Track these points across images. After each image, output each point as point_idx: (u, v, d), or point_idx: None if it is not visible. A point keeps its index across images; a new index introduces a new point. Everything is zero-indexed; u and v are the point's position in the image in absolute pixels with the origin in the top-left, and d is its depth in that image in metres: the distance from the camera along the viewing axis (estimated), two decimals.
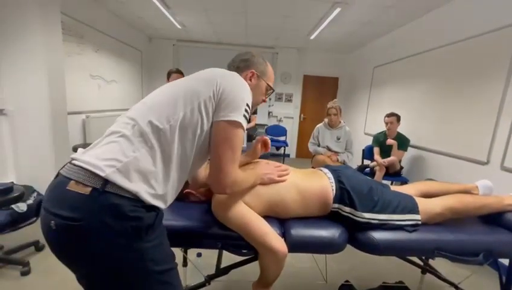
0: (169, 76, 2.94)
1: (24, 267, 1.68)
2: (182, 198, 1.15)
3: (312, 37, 4.38)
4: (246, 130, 3.36)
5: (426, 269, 1.47)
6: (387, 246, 1.05)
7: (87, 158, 0.67)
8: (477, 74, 2.37)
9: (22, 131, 2.46)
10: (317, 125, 3.18)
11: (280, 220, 1.11)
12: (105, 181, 0.64)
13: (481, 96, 2.32)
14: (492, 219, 1.23)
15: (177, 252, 0.84)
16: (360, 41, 4.60)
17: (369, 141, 3.43)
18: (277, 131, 5.56)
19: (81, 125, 3.34)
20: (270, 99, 5.73)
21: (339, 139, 3.05)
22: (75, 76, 3.13)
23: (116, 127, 0.75)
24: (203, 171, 1.12)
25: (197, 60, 5.42)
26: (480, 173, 2.26)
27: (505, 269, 1.24)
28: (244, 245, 1.00)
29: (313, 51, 5.53)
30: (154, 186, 0.71)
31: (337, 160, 2.96)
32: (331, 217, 1.14)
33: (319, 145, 3.12)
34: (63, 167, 0.71)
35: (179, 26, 4.29)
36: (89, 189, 0.63)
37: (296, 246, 1.03)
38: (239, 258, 1.10)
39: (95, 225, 0.62)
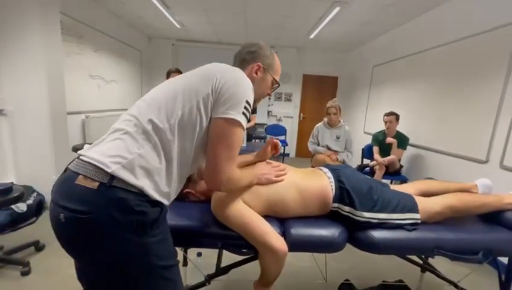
0: (168, 76, 2.94)
1: (24, 267, 1.68)
2: (181, 198, 1.16)
3: (311, 37, 4.38)
4: (246, 129, 3.34)
5: (426, 267, 1.48)
6: (386, 245, 1.05)
7: (93, 154, 0.69)
8: (476, 73, 2.38)
9: (22, 131, 2.46)
10: (317, 125, 3.18)
11: (280, 219, 1.11)
12: (112, 176, 0.66)
13: (480, 94, 2.33)
14: (492, 217, 1.23)
15: (178, 251, 0.84)
16: (359, 40, 4.60)
17: (368, 140, 3.43)
18: (276, 130, 5.56)
19: (80, 126, 3.34)
20: (269, 98, 5.74)
21: (338, 138, 3.05)
22: (74, 76, 3.13)
23: (119, 124, 0.76)
24: None
25: (197, 59, 5.39)
26: (479, 171, 2.26)
27: (504, 267, 1.25)
28: (244, 245, 1.00)
29: (313, 50, 5.53)
30: (158, 182, 0.73)
31: (337, 159, 2.96)
32: (330, 217, 1.14)
33: (318, 145, 3.12)
34: (71, 162, 0.73)
35: (178, 26, 4.29)
36: (97, 183, 0.65)
37: (296, 245, 1.03)
38: (239, 258, 1.10)
39: (102, 218, 0.64)
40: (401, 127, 3.11)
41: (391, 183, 3.02)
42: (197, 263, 1.35)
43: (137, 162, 0.69)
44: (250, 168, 1.08)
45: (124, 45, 4.33)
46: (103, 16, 3.69)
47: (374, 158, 3.12)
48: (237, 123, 0.78)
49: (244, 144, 2.93)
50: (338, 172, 1.18)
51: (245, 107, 0.79)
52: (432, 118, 2.93)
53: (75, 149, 2.70)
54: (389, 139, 2.99)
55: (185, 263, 1.52)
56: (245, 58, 0.96)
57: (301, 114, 5.92)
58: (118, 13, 3.88)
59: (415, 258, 1.49)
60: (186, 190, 1.16)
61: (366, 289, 1.58)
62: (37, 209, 2.39)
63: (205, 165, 0.82)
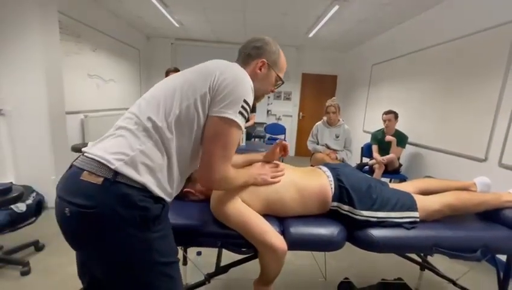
0: (167, 75, 2.95)
1: (24, 267, 1.68)
2: (181, 197, 1.16)
3: (310, 35, 4.37)
4: (245, 128, 3.31)
5: (425, 265, 1.48)
6: (385, 243, 1.05)
7: (97, 151, 0.71)
8: (475, 72, 2.38)
9: (20, 131, 2.45)
10: (316, 124, 3.18)
11: (279, 218, 1.11)
12: (116, 172, 0.67)
13: (479, 93, 2.33)
14: (490, 215, 1.24)
15: (178, 250, 0.85)
16: (358, 39, 4.60)
17: (368, 138, 3.44)
18: (276, 129, 5.56)
19: (79, 125, 3.33)
20: (269, 97, 5.73)
21: (337, 137, 3.05)
22: (73, 75, 3.12)
23: (121, 122, 0.78)
24: None
25: (195, 58, 5.34)
26: (478, 170, 2.27)
27: (502, 265, 1.25)
28: (243, 243, 1.00)
29: (312, 49, 5.52)
30: (161, 179, 0.74)
31: (336, 158, 2.97)
32: (330, 216, 1.14)
33: (318, 144, 3.13)
34: (76, 159, 0.75)
35: (177, 25, 4.28)
36: (101, 179, 0.67)
37: (296, 244, 1.03)
38: (238, 257, 1.10)
39: (106, 212, 0.66)
40: (400, 126, 3.11)
41: (390, 181, 3.03)
42: (196, 262, 1.35)
43: (139, 159, 0.70)
44: (246, 168, 1.08)
45: (123, 44, 4.32)
46: (101, 15, 3.67)
47: (373, 157, 3.12)
48: (233, 123, 0.77)
49: (244, 143, 2.93)
50: (337, 171, 1.19)
51: (243, 107, 0.78)
52: (431, 117, 2.93)
53: (75, 149, 2.69)
54: (388, 137, 3.00)
55: (185, 262, 1.52)
56: (250, 54, 0.94)
57: (300, 113, 5.92)
58: (117, 12, 3.87)
59: (414, 256, 1.49)
60: (185, 189, 1.16)
61: (365, 287, 1.59)
62: (37, 209, 2.39)
63: (200, 163, 0.81)
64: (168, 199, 0.78)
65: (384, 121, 3.07)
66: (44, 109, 2.43)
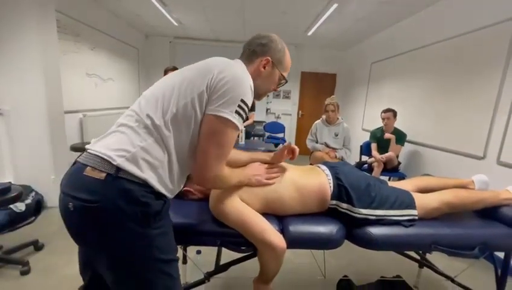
0: (165, 74, 2.93)
1: (24, 266, 1.68)
2: (180, 196, 1.16)
3: (309, 34, 4.37)
4: (244, 127, 3.31)
5: (423, 263, 1.49)
6: (384, 241, 1.06)
7: (99, 148, 0.72)
8: (474, 69, 2.38)
9: (19, 131, 2.44)
10: (315, 122, 3.19)
11: (278, 216, 1.12)
12: (118, 168, 0.69)
13: (478, 91, 2.33)
14: (488, 213, 1.24)
15: (177, 249, 0.85)
16: (357, 37, 4.60)
17: (367, 137, 3.44)
18: (275, 128, 5.56)
19: (78, 124, 3.33)
20: (268, 96, 5.73)
21: (336, 135, 3.06)
22: (71, 75, 3.11)
23: (122, 119, 0.79)
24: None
25: (194, 57, 5.31)
26: (476, 167, 2.28)
27: (500, 262, 1.26)
28: (243, 242, 1.01)
29: (311, 47, 5.51)
30: (162, 175, 0.75)
31: (335, 156, 2.97)
32: (328, 214, 1.15)
33: (317, 142, 3.13)
34: (80, 155, 0.76)
35: (175, 24, 4.26)
36: (104, 174, 0.68)
37: (295, 242, 1.03)
38: (238, 255, 1.10)
39: (109, 207, 0.67)
40: (398, 124, 3.12)
41: (389, 180, 3.04)
42: (196, 260, 1.35)
43: (140, 155, 0.71)
44: (242, 168, 1.08)
45: (121, 43, 4.31)
46: (100, 14, 3.66)
47: (372, 155, 3.13)
48: (229, 122, 0.76)
49: (243, 142, 2.93)
50: (336, 169, 1.19)
51: (240, 106, 0.77)
52: (430, 115, 2.93)
53: (73, 148, 2.69)
54: (387, 135, 3.01)
55: (185, 261, 1.53)
56: (255, 50, 0.92)
57: (300, 111, 5.92)
58: (115, 11, 3.85)
59: (412, 254, 1.50)
60: (184, 188, 1.16)
61: (364, 285, 1.60)
62: (36, 208, 2.39)
63: (195, 161, 0.81)
64: (169, 195, 0.79)
65: (383, 119, 3.07)
66: (42, 108, 2.42)
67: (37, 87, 2.38)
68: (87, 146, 0.76)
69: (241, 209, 0.99)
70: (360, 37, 4.61)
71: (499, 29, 2.15)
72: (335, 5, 3.11)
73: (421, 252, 1.57)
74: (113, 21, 4.03)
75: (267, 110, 5.78)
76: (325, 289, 1.61)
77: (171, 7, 3.61)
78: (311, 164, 1.93)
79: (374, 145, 3.16)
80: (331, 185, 1.13)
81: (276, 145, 5.41)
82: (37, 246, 1.92)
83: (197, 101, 0.76)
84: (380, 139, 3.10)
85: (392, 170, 3.06)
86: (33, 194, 2.42)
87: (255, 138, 4.93)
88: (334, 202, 1.13)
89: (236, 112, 0.77)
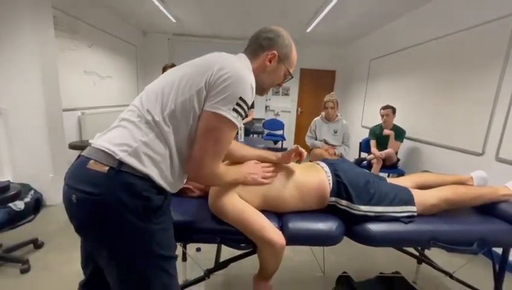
0: (164, 71, 2.92)
1: (23, 265, 1.68)
2: (179, 193, 1.16)
3: (308, 30, 4.34)
4: (244, 124, 3.30)
5: (422, 259, 1.50)
6: (383, 237, 1.06)
7: (102, 142, 0.73)
8: (473, 66, 2.38)
9: (17, 129, 2.43)
10: (315, 119, 3.18)
11: (277, 213, 1.12)
12: (120, 162, 0.70)
13: (477, 87, 2.33)
14: (487, 209, 1.25)
15: (177, 247, 0.85)
16: (356, 33, 4.58)
17: (366, 133, 3.45)
18: (274, 125, 5.55)
19: (76, 122, 3.31)
20: (266, 93, 5.71)
21: (335, 132, 3.06)
22: (69, 72, 3.09)
23: (125, 114, 0.79)
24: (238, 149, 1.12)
25: (193, 54, 5.30)
26: (475, 164, 2.28)
27: (498, 257, 1.27)
28: (242, 239, 1.01)
29: (310, 44, 5.49)
30: (163, 169, 0.75)
31: (335, 153, 2.97)
32: (328, 211, 1.15)
33: (316, 139, 3.13)
34: (84, 149, 0.78)
35: (173, 20, 4.23)
36: (107, 168, 0.69)
37: (294, 239, 1.03)
38: (238, 252, 1.11)
39: (112, 200, 0.68)
40: (397, 121, 3.11)
41: (388, 176, 3.04)
42: (196, 258, 1.36)
43: (142, 150, 0.72)
44: (238, 166, 1.08)
45: (119, 40, 4.28)
46: (97, 11, 3.63)
47: (371, 152, 3.13)
48: (225, 120, 0.75)
49: (242, 139, 2.92)
50: (335, 166, 1.19)
51: (238, 104, 0.75)
52: (429, 111, 2.93)
53: (72, 146, 2.68)
54: (386, 131, 3.01)
55: (184, 259, 1.53)
56: (261, 44, 0.91)
57: (299, 108, 5.91)
58: (112, 7, 3.82)
59: (411, 250, 1.51)
60: (184, 186, 1.16)
61: (363, 281, 1.61)
62: (35, 207, 2.39)
63: (191, 156, 0.80)
64: (171, 190, 0.79)
65: (382, 116, 3.07)
66: (40, 106, 2.41)
67: (34, 85, 2.37)
68: (90, 140, 0.77)
69: (240, 206, 0.99)
70: (359, 34, 4.58)
71: (498, 26, 2.15)
72: (334, 1, 3.09)
73: (419, 248, 1.58)
74: (111, 18, 4.00)
75: (266, 107, 5.77)
76: (325, 286, 1.62)
77: (168, 3, 3.58)
78: (310, 161, 1.93)
79: (373, 142, 3.16)
80: (330, 182, 1.13)
81: (275, 142, 5.41)
82: (37, 245, 1.92)
83: (196, 98, 0.75)
84: (379, 136, 3.11)
85: (391, 166, 3.06)
86: (32, 192, 2.42)
87: (254, 135, 4.92)
88: (333, 198, 1.13)
89: (234, 109, 0.75)
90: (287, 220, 1.07)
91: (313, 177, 1.14)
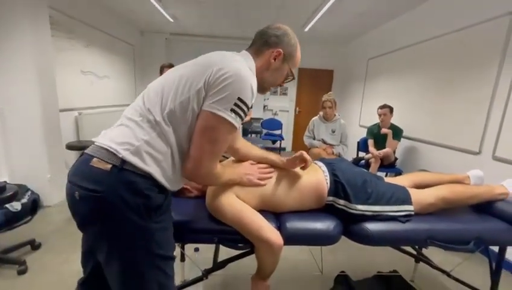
0: (162, 70, 2.91)
1: (20, 266, 1.67)
2: (177, 194, 1.16)
3: (306, 29, 4.34)
4: (242, 124, 3.32)
5: (419, 258, 1.50)
6: (381, 236, 1.07)
7: (105, 141, 0.74)
8: (470, 65, 2.39)
9: (14, 130, 2.42)
10: (313, 118, 3.19)
11: (275, 213, 1.12)
12: (123, 160, 0.71)
13: (473, 87, 2.34)
14: (483, 207, 1.26)
15: (175, 248, 0.85)
16: (354, 33, 4.59)
17: (364, 133, 3.45)
18: (272, 125, 5.55)
19: (73, 123, 3.29)
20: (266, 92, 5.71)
21: (333, 132, 3.06)
22: (66, 72, 3.07)
23: (128, 112, 0.80)
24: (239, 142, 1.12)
25: (190, 53, 5.31)
26: (472, 163, 2.30)
27: (495, 255, 1.28)
28: (240, 239, 1.01)
29: (308, 43, 5.47)
30: (165, 168, 0.76)
31: (333, 153, 2.98)
32: (325, 210, 1.15)
33: (314, 138, 3.13)
34: (88, 147, 0.79)
35: (170, 20, 4.22)
36: (109, 166, 0.70)
37: (292, 238, 1.04)
38: (236, 252, 1.11)
39: (113, 197, 0.69)
40: (395, 120, 3.13)
41: (386, 175, 3.06)
42: (194, 258, 1.36)
43: (144, 149, 0.73)
44: (235, 166, 1.08)
45: (116, 40, 4.25)
46: (93, 10, 3.60)
47: (369, 151, 3.14)
48: (222, 120, 0.74)
49: None
50: (333, 166, 1.19)
51: (236, 105, 0.74)
52: (426, 110, 2.95)
53: (69, 147, 2.67)
54: (384, 130, 3.02)
55: (183, 259, 1.53)
56: (267, 41, 0.90)
57: (297, 108, 5.91)
58: (109, 7, 3.80)
59: (409, 249, 1.52)
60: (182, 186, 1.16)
61: (361, 280, 1.61)
62: (32, 208, 2.37)
63: (188, 154, 0.79)
64: (172, 188, 0.80)
65: (380, 115, 3.08)
66: (37, 107, 2.39)
67: (31, 85, 2.35)
68: (94, 139, 0.79)
69: (238, 206, 0.99)
70: (357, 33, 4.59)
71: (494, 25, 2.16)
72: (332, 0, 3.09)
73: (417, 247, 1.59)
74: (108, 17, 3.97)
75: (264, 106, 5.77)
76: (323, 285, 1.62)
77: (166, 2, 3.57)
78: None
79: (370, 142, 3.17)
80: (328, 181, 1.13)
81: (274, 142, 5.41)
82: (34, 246, 1.91)
83: (195, 98, 0.75)
84: (376, 136, 3.12)
85: (389, 165, 3.07)
86: (29, 193, 2.40)
87: (253, 135, 4.92)
88: (331, 198, 1.13)
89: (232, 110, 0.74)
90: (285, 220, 1.07)
91: (311, 177, 1.14)
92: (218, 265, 1.17)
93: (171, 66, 2.85)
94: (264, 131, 5.41)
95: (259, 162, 1.13)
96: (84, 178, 0.71)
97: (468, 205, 1.29)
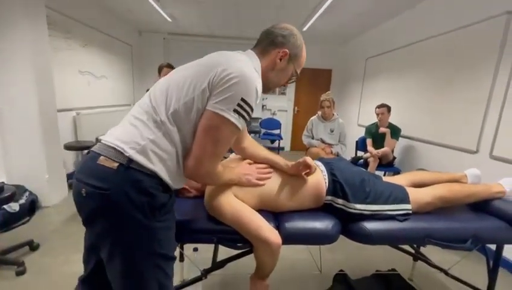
0: (160, 70, 2.91)
1: (19, 267, 1.67)
2: (176, 194, 1.15)
3: (305, 29, 4.35)
4: None
5: (418, 256, 1.51)
6: (379, 235, 1.07)
7: (112, 139, 0.75)
8: (467, 64, 2.40)
9: (11, 130, 2.41)
10: (311, 118, 3.19)
11: (274, 213, 1.12)
12: (130, 159, 0.72)
13: (471, 86, 2.35)
14: (481, 206, 1.26)
15: (176, 248, 0.85)
16: (352, 32, 4.59)
17: (362, 132, 3.47)
18: (271, 124, 5.56)
19: (71, 123, 3.28)
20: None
21: (332, 131, 3.07)
22: (63, 72, 3.06)
23: (134, 111, 0.81)
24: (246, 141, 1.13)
25: (189, 53, 5.31)
26: (469, 161, 2.31)
27: (492, 254, 1.29)
28: (239, 239, 1.01)
29: (306, 43, 5.37)
30: (170, 167, 0.77)
31: (331, 152, 2.98)
32: (324, 209, 1.15)
33: (312, 138, 3.14)
34: (94, 145, 0.80)
35: (169, 19, 4.21)
36: (116, 164, 0.71)
37: (290, 238, 1.04)
38: (235, 252, 1.11)
39: (119, 195, 0.70)
40: (393, 119, 3.14)
41: (384, 175, 3.07)
42: (193, 258, 1.36)
43: (150, 147, 0.73)
44: (234, 166, 1.08)
45: (114, 40, 4.24)
46: (91, 9, 3.59)
47: (367, 150, 3.15)
48: (225, 120, 0.74)
49: None
50: (331, 165, 1.19)
51: (239, 105, 0.74)
52: (424, 110, 2.96)
53: (67, 147, 2.66)
54: (382, 129, 3.04)
55: (182, 259, 1.53)
56: (274, 41, 0.90)
57: (295, 107, 5.92)
58: (107, 6, 3.79)
59: (407, 247, 1.52)
60: None
61: (359, 279, 1.62)
62: (30, 208, 2.35)
63: (189, 153, 0.79)
64: (175, 186, 0.81)
65: (377, 114, 3.09)
66: (34, 107, 2.38)
67: (28, 85, 2.34)
68: (100, 137, 0.80)
69: (237, 206, 0.99)
70: (356, 33, 4.60)
71: (492, 24, 2.17)
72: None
73: (415, 245, 1.60)
74: (105, 17, 3.96)
75: (263, 106, 5.77)
76: (321, 284, 1.63)
77: (164, 2, 3.56)
78: None
79: (369, 141, 3.18)
80: (326, 181, 1.14)
81: (272, 141, 5.42)
82: (32, 246, 1.91)
83: (200, 99, 0.75)
84: (375, 135, 3.13)
85: (387, 165, 3.09)
86: (27, 194, 2.39)
87: (251, 135, 4.91)
88: (329, 197, 1.13)
89: (235, 110, 0.75)
90: (284, 219, 1.07)
91: (309, 177, 1.14)
92: (217, 265, 1.17)
93: (169, 66, 2.85)
94: (263, 130, 5.41)
95: (262, 163, 1.13)
96: (91, 175, 0.72)
97: (465, 204, 1.30)
